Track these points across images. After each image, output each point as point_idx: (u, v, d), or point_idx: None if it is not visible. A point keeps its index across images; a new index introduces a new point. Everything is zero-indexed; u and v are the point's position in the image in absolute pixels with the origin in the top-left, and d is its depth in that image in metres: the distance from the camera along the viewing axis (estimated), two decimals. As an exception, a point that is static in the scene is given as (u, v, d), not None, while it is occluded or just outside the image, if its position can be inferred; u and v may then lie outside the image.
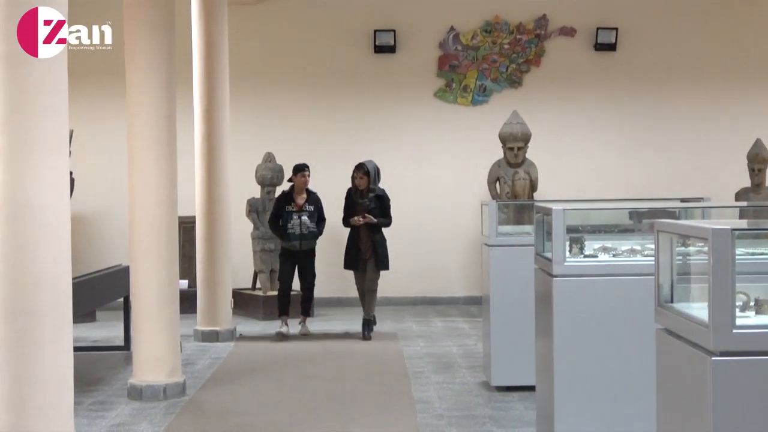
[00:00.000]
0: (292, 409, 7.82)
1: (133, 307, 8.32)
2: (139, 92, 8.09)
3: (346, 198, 11.17)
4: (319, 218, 11.21)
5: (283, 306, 11.21)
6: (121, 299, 10.27)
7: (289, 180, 11.32)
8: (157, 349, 8.12)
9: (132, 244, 8.21)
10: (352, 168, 11.17)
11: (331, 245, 12.54)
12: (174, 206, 8.29)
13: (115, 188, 13.03)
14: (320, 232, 11.24)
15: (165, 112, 8.16)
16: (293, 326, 11.25)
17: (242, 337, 11.15)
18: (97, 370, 9.35)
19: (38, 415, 5.04)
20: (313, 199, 11.21)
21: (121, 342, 10.40)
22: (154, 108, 8.09)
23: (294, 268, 11.24)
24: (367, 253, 11.01)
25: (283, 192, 11.41)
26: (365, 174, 10.96)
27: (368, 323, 11.13)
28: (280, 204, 11.23)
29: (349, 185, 11.18)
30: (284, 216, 11.09)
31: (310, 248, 11.20)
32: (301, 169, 11.22)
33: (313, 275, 11.30)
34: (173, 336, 8.25)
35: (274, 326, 11.41)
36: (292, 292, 11.43)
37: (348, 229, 11.14)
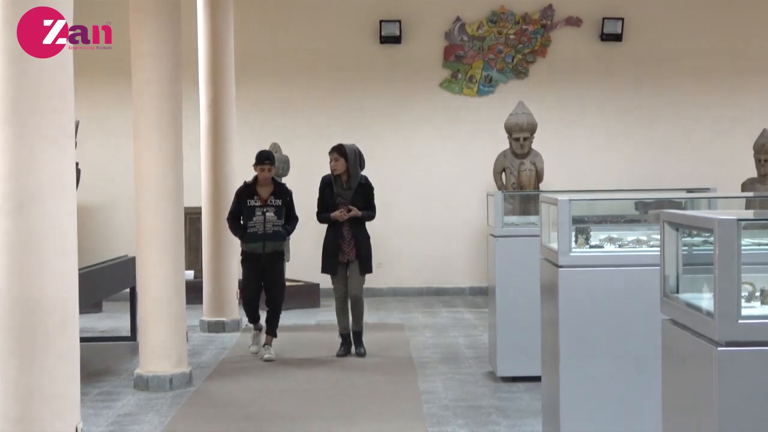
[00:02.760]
0: (298, 399, 7.84)
1: (140, 298, 8.35)
2: (145, 83, 8.10)
3: (322, 187, 9.43)
4: (288, 216, 9.39)
5: (252, 313, 9.56)
6: (128, 290, 10.28)
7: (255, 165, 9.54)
8: (163, 339, 8.14)
9: (138, 235, 8.22)
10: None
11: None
12: (180, 197, 8.31)
13: (122, 179, 13.04)
14: (290, 232, 9.51)
15: (171, 102, 8.17)
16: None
17: (248, 328, 11.16)
18: (103, 360, 9.37)
19: (45, 405, 5.05)
20: (281, 191, 9.41)
21: (127, 332, 10.42)
22: (160, 99, 8.10)
23: (259, 276, 9.39)
24: (350, 255, 9.31)
25: (245, 183, 9.50)
26: (341, 155, 9.25)
27: (359, 335, 9.52)
28: (240, 197, 9.37)
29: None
30: (245, 212, 9.30)
31: (277, 251, 9.38)
32: (260, 162, 9.34)
33: (282, 286, 9.52)
34: (179, 326, 8.26)
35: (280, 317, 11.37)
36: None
37: (323, 225, 9.51)
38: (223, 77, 11.19)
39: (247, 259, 9.43)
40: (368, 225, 9.50)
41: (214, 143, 11.10)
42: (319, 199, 9.42)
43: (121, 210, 13.50)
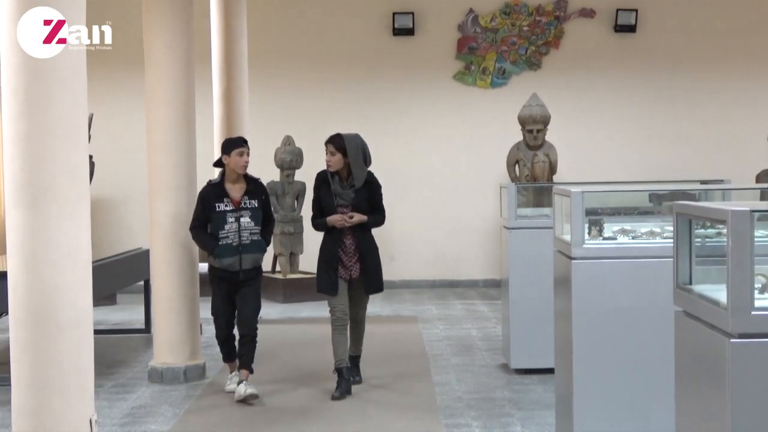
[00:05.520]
0: (311, 391, 7.84)
1: (153, 291, 8.37)
2: (158, 76, 8.12)
3: (317, 185, 7.58)
4: (265, 219, 7.53)
5: (229, 351, 7.77)
6: (142, 282, 10.32)
7: (217, 164, 7.70)
8: (177, 332, 8.17)
9: (152, 228, 8.25)
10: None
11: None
12: (193, 190, 8.31)
13: (135, 172, 13.09)
14: (269, 242, 7.63)
15: (184, 95, 8.18)
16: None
17: (261, 320, 11.18)
18: (117, 352, 9.41)
19: (59, 397, 5.07)
20: (255, 189, 7.50)
21: (141, 325, 10.46)
22: (173, 91, 8.11)
23: (234, 300, 7.54)
24: (352, 270, 7.54)
25: (209, 183, 7.56)
26: (338, 149, 7.44)
27: (357, 360, 7.95)
28: (205, 201, 7.43)
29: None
30: (213, 219, 7.39)
31: (255, 266, 7.51)
32: (239, 144, 7.46)
33: (258, 306, 7.59)
34: (193, 319, 8.29)
35: (294, 309, 11.39)
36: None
37: (319, 232, 7.72)
38: (236, 69, 11.20)
39: (218, 278, 7.52)
40: (377, 228, 7.73)
41: (227, 135, 11.08)
42: (314, 199, 7.62)
43: (134, 203, 13.56)
